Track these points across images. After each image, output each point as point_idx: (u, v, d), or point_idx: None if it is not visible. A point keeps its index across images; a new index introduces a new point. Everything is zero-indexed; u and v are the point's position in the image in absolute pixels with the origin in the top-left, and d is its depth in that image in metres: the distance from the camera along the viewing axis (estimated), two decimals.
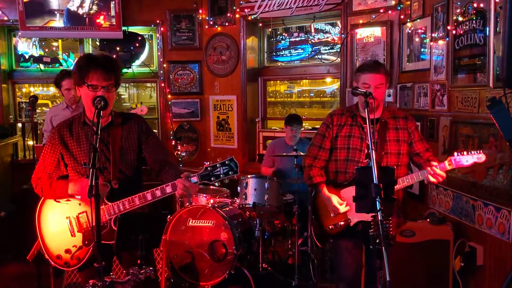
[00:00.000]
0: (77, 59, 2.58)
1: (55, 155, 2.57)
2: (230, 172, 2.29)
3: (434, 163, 2.79)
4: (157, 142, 2.70)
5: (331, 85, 6.55)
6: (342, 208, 2.89)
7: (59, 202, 2.60)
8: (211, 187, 4.83)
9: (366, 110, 2.53)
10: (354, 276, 3.03)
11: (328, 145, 3.03)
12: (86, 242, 2.51)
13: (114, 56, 5.84)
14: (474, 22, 3.39)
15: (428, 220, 3.66)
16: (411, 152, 3.00)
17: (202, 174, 2.32)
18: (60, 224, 2.58)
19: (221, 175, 2.29)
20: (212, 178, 2.30)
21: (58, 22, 5.70)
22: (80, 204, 2.57)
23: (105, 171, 2.52)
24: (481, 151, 2.76)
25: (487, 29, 3.22)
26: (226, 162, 2.30)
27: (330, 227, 2.97)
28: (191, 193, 2.32)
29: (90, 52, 6.19)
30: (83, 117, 2.58)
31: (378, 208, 2.19)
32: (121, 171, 2.55)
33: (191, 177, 2.35)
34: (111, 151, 2.52)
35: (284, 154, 4.67)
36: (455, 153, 2.77)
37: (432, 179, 2.76)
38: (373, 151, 2.38)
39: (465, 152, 2.76)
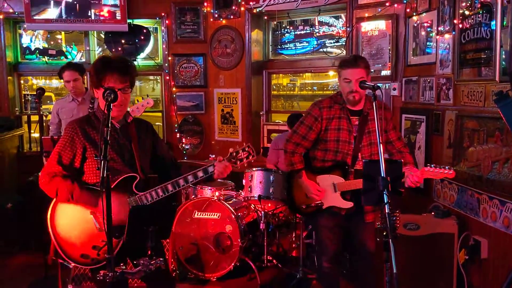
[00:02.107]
0: (94, 61, 2.65)
1: (74, 149, 2.55)
2: (250, 156, 2.62)
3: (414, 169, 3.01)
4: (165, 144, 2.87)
5: (333, 78, 6.55)
6: (319, 198, 3.15)
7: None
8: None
9: (374, 104, 2.55)
10: (336, 252, 3.27)
11: (313, 137, 3.20)
12: (117, 234, 2.46)
13: (119, 48, 5.86)
14: (480, 16, 3.38)
15: (432, 213, 3.68)
16: (386, 140, 3.20)
17: (228, 159, 2.61)
18: (83, 222, 2.54)
19: (243, 159, 2.62)
20: (236, 162, 2.62)
21: (56, 12, 5.69)
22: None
23: (132, 164, 2.60)
24: (452, 168, 3.01)
25: (494, 22, 3.22)
26: (246, 148, 2.62)
27: (303, 206, 3.27)
28: (227, 172, 2.63)
29: (96, 45, 6.22)
30: (105, 119, 2.54)
31: (385, 201, 2.21)
32: (143, 165, 2.65)
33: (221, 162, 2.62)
34: (134, 147, 2.61)
35: None
36: (429, 166, 3.00)
37: (409, 184, 2.99)
38: (381, 144, 2.40)
39: (438, 167, 2.99)
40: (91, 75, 2.58)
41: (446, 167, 2.98)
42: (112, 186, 2.50)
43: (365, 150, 3.13)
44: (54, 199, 2.58)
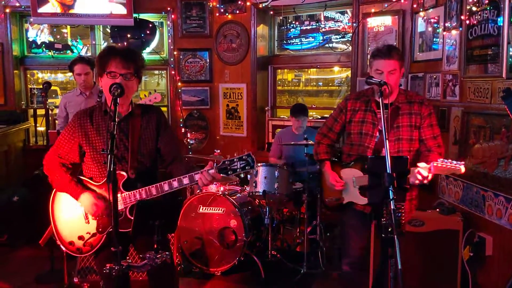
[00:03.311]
0: (101, 50, 2.64)
1: (72, 142, 2.59)
2: (247, 167, 2.33)
3: (421, 164, 2.66)
4: (172, 136, 2.76)
5: (338, 74, 6.54)
6: (337, 186, 3.00)
7: None
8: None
9: (380, 99, 2.53)
10: (359, 256, 3.08)
11: (338, 129, 3.15)
12: (100, 229, 2.53)
13: (125, 43, 5.87)
14: (487, 12, 3.37)
15: (437, 210, 3.67)
16: (419, 138, 2.96)
17: (220, 167, 2.34)
18: (74, 211, 2.61)
19: (238, 169, 2.33)
20: (229, 172, 2.35)
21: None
22: None
23: (123, 160, 2.54)
24: (463, 163, 2.62)
25: (501, 19, 3.20)
26: (244, 157, 2.33)
27: (327, 200, 3.19)
28: (216, 180, 2.41)
29: (101, 39, 6.23)
30: (104, 106, 2.59)
31: (390, 198, 2.21)
32: (139, 161, 2.57)
33: (208, 171, 2.38)
34: (130, 141, 2.54)
35: (293, 143, 4.69)
36: (439, 160, 2.64)
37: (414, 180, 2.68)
38: (387, 140, 2.39)
39: (448, 161, 2.62)
40: (96, 62, 2.55)
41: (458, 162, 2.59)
42: (99, 183, 2.57)
43: (391, 145, 2.87)
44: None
